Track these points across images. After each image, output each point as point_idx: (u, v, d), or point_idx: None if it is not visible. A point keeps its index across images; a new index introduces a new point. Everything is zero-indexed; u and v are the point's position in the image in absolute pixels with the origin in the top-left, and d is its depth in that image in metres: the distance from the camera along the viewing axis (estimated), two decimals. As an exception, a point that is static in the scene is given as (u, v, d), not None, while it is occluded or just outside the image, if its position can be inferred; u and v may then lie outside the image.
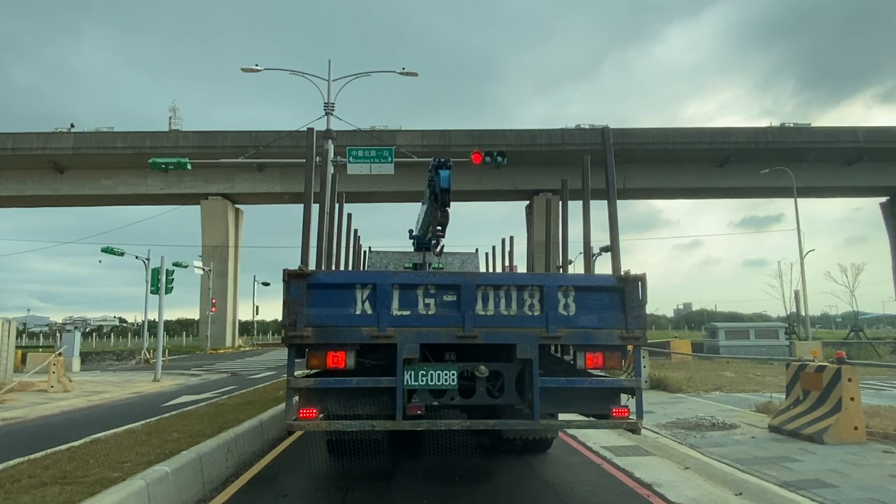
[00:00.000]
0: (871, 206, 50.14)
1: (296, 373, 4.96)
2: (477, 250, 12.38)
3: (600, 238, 15.50)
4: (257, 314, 52.14)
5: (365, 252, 12.25)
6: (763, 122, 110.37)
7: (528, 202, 45.96)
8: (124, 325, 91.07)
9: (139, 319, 58.62)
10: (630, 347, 5.21)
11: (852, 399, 7.52)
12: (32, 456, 6.13)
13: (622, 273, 5.20)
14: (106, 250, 28.24)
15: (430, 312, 4.96)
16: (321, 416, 5.00)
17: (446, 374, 4.96)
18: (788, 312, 32.56)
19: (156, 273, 22.39)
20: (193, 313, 65.29)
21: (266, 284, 52.97)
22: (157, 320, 23.67)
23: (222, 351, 43.92)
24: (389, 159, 19.22)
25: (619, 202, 5.71)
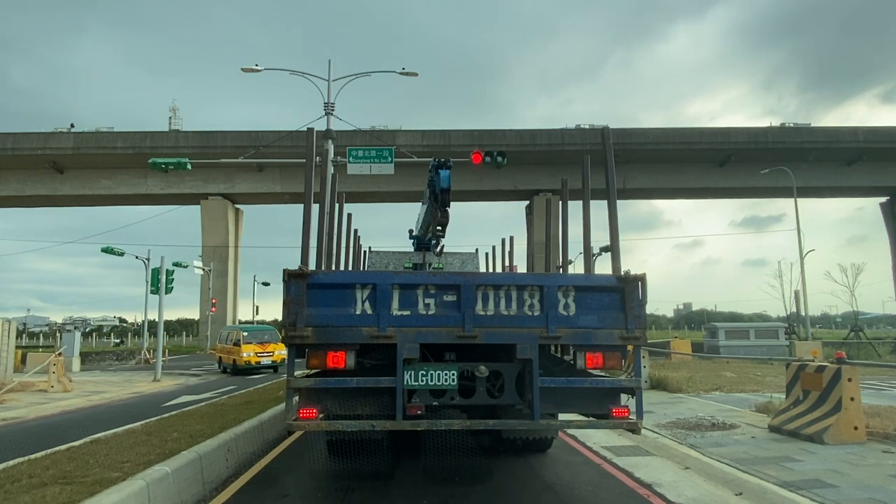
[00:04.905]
0: (873, 206, 50.11)
1: (296, 373, 4.97)
2: (477, 250, 12.39)
3: (600, 238, 15.54)
4: (257, 314, 51.95)
5: (365, 252, 12.25)
6: (766, 121, 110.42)
7: (528, 202, 45.97)
8: (124, 325, 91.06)
9: (139, 319, 58.68)
10: (630, 347, 5.21)
11: (852, 399, 7.52)
12: (32, 456, 6.14)
13: (622, 273, 5.20)
14: (106, 250, 28.23)
15: (430, 312, 4.96)
16: (321, 416, 5.00)
17: (446, 374, 4.96)
18: (788, 312, 32.56)
19: (156, 273, 22.39)
20: (193, 313, 65.29)
21: (266, 284, 52.85)
22: (157, 320, 23.68)
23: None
24: (389, 159, 19.21)
25: (619, 202, 5.71)
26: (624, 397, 5.32)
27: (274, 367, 24.09)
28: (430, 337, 4.93)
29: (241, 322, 47.03)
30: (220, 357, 26.25)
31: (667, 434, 8.38)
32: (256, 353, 23.99)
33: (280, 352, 23.76)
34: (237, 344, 24.39)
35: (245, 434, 7.51)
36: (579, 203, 6.19)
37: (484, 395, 5.11)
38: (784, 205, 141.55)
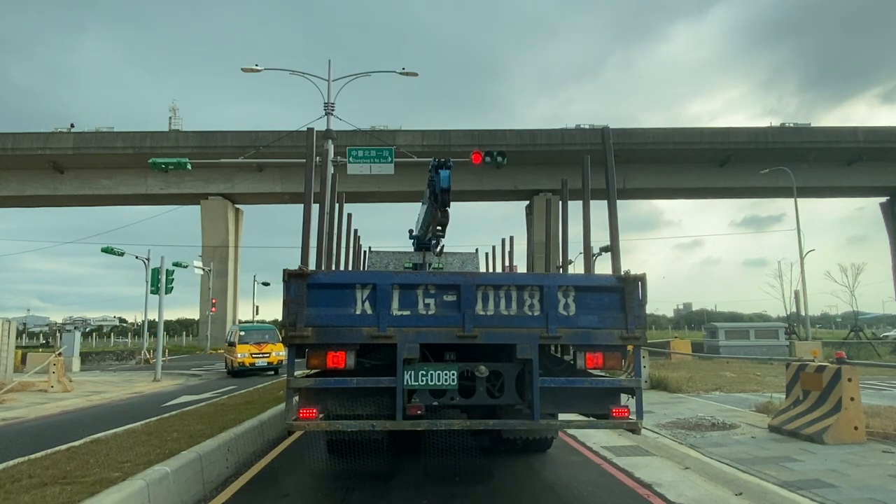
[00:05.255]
0: (873, 206, 50.16)
1: (296, 373, 4.97)
2: (477, 250, 12.39)
3: (600, 238, 15.50)
4: (257, 314, 51.97)
5: (365, 252, 12.25)
6: (766, 121, 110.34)
7: (528, 202, 46.01)
8: (124, 325, 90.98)
9: (139, 319, 58.70)
10: (630, 347, 5.21)
11: (852, 399, 7.52)
12: (32, 456, 6.14)
13: (622, 273, 5.20)
14: (106, 250, 28.23)
15: (430, 312, 4.96)
16: (321, 416, 5.00)
17: (446, 374, 4.96)
18: (788, 312, 32.56)
19: (156, 273, 22.40)
20: (193, 313, 65.32)
21: (266, 284, 52.93)
22: (157, 320, 23.69)
23: (222, 351, 43.84)
24: (389, 159, 19.21)
25: (619, 202, 5.71)
26: (624, 397, 5.32)
27: (273, 370, 22.50)
28: (430, 337, 4.93)
29: (240, 322, 46.96)
30: (225, 357, 26.07)
31: (667, 434, 8.38)
32: (251, 354, 22.41)
33: (277, 353, 22.44)
34: (232, 344, 23.32)
35: (245, 434, 7.51)
36: (579, 203, 6.19)
37: (484, 395, 5.11)
38: (784, 205, 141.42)
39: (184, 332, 71.61)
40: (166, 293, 22.29)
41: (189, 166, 20.23)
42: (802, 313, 32.06)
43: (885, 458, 6.65)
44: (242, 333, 23.64)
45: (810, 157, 39.34)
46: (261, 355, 22.56)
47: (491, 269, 12.07)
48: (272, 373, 22.52)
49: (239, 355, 22.39)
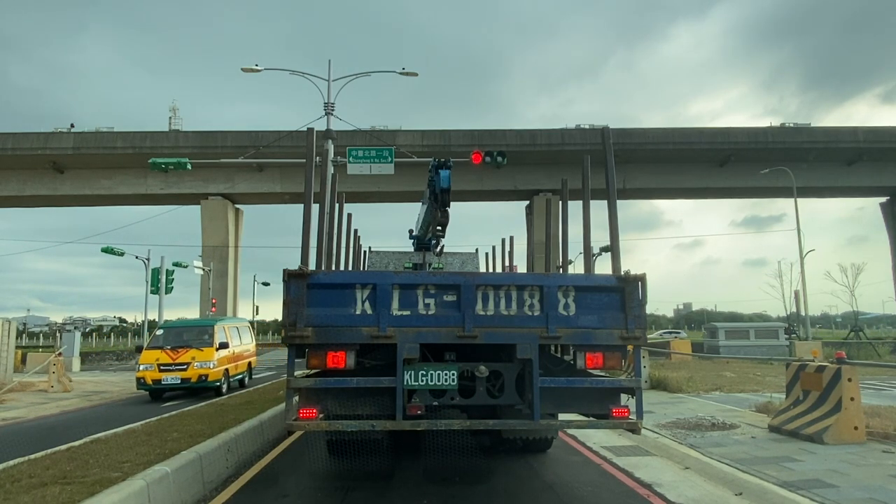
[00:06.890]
0: (873, 206, 50.09)
1: (296, 373, 4.97)
2: (477, 250, 12.40)
3: (600, 238, 15.54)
4: (257, 314, 52.03)
5: (365, 252, 12.25)
6: (767, 121, 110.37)
7: (528, 202, 45.97)
8: (124, 325, 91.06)
9: (139, 319, 58.70)
10: (630, 347, 5.21)
11: (852, 399, 7.52)
12: (32, 456, 6.14)
13: (622, 273, 5.20)
14: (106, 250, 28.23)
15: (430, 312, 4.97)
16: (321, 416, 5.01)
17: (446, 374, 4.96)
18: (788, 312, 32.56)
19: (156, 273, 22.45)
20: (193, 313, 65.30)
21: (266, 284, 52.98)
22: (157, 320, 23.70)
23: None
24: (389, 159, 19.21)
25: (619, 202, 5.71)
26: (624, 397, 5.32)
27: (210, 389, 14.72)
28: (430, 337, 4.93)
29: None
30: None
31: (667, 434, 8.38)
32: (159, 366, 14.52)
33: (202, 364, 14.61)
34: (139, 350, 16.46)
35: (245, 434, 7.51)
36: (579, 203, 6.19)
37: (484, 395, 5.11)
38: (784, 205, 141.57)
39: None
40: (166, 293, 22.35)
41: (189, 166, 20.23)
42: (802, 313, 32.06)
43: (885, 458, 6.65)
44: (159, 332, 16.18)
45: (810, 157, 39.31)
46: (174, 368, 14.52)
47: (491, 269, 12.07)
48: (213, 393, 14.68)
49: (141, 367, 14.87)
